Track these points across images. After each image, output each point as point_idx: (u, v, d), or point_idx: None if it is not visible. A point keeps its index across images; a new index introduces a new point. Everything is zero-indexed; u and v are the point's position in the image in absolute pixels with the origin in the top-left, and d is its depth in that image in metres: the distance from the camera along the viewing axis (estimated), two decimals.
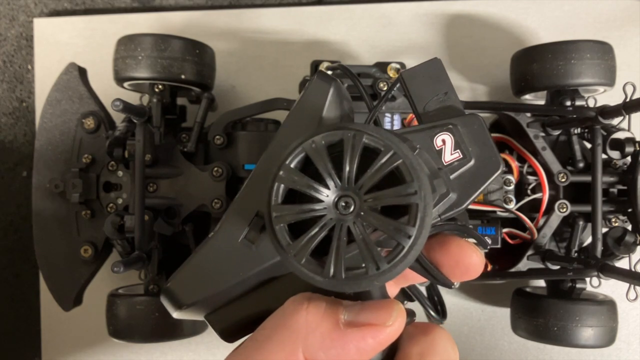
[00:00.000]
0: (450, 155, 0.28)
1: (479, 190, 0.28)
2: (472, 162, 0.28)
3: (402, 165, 0.24)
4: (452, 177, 0.28)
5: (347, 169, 0.24)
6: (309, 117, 0.28)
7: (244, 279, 0.27)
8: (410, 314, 0.27)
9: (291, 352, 0.25)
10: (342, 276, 0.24)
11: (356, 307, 0.25)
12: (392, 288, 0.32)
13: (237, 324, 0.29)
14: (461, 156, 0.28)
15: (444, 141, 0.28)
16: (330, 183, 0.24)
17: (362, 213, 0.24)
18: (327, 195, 0.24)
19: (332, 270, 0.24)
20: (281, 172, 0.25)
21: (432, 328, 0.28)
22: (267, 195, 0.25)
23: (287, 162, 0.25)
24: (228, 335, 0.29)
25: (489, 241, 0.54)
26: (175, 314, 0.29)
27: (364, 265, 0.24)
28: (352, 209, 0.24)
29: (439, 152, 0.28)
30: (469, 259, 0.28)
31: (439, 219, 0.27)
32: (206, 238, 0.28)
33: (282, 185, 0.25)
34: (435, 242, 0.28)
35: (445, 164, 0.28)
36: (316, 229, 0.24)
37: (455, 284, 0.29)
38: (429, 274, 0.28)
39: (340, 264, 0.24)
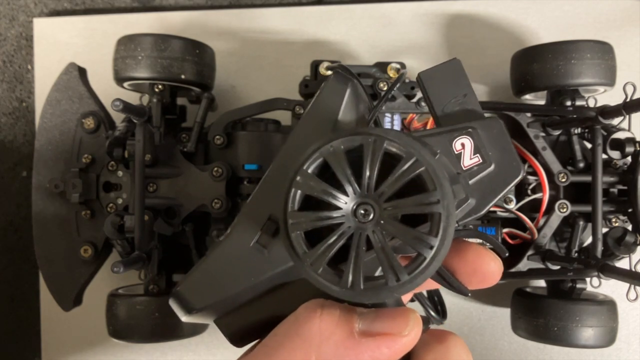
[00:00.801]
0: (469, 159, 0.27)
1: (499, 196, 0.27)
2: (491, 167, 0.27)
3: (424, 173, 0.23)
4: (471, 182, 0.27)
5: (367, 175, 0.23)
6: (324, 119, 0.27)
7: (255, 283, 0.26)
8: (426, 321, 0.26)
9: None
10: (360, 287, 0.23)
11: (371, 316, 0.25)
12: (407, 294, 0.31)
13: (247, 328, 0.28)
14: (481, 161, 0.27)
15: (463, 145, 0.27)
16: (349, 190, 0.24)
17: (381, 221, 0.23)
18: (346, 202, 0.24)
19: (350, 281, 0.23)
20: (298, 178, 0.24)
21: (447, 336, 0.27)
22: (284, 202, 0.24)
23: (305, 167, 0.24)
24: (237, 339, 0.29)
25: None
26: (185, 318, 0.28)
27: (380, 274, 0.23)
28: (371, 217, 0.23)
29: (458, 157, 0.27)
30: (487, 266, 0.27)
31: (456, 225, 0.26)
32: (217, 242, 0.28)
33: (299, 192, 0.24)
34: (451, 249, 0.27)
35: (464, 168, 0.27)
36: (334, 237, 0.23)
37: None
38: (446, 282, 0.27)
39: (359, 274, 0.23)
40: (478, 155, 0.27)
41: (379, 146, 0.23)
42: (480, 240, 0.33)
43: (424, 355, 0.26)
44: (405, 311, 0.25)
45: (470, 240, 0.29)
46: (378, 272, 0.25)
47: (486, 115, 0.28)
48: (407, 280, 0.23)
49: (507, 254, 0.30)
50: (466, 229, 0.28)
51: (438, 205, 0.23)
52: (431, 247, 0.23)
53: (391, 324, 0.24)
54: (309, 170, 0.24)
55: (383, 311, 0.25)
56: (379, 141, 0.23)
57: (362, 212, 0.23)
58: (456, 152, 0.27)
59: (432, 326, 0.28)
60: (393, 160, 0.24)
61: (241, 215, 0.27)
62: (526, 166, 0.56)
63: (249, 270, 0.26)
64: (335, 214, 0.24)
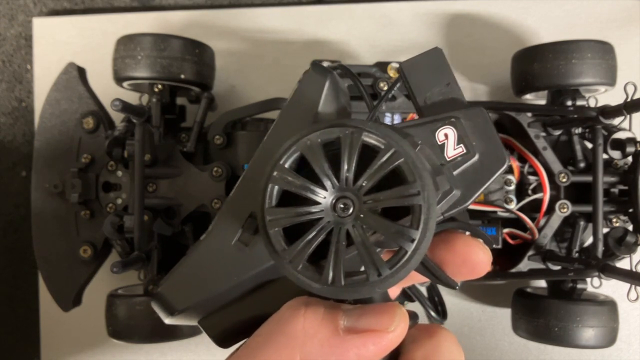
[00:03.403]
0: (453, 150, 0.26)
1: (484, 187, 0.27)
2: (476, 157, 0.26)
3: (403, 164, 0.23)
4: (455, 173, 0.26)
5: (345, 168, 0.23)
6: (304, 112, 0.26)
7: (238, 282, 0.26)
8: (413, 316, 0.26)
9: None
10: (341, 283, 0.23)
11: (356, 312, 0.24)
12: (394, 289, 0.31)
13: (231, 329, 0.28)
14: (465, 151, 0.26)
15: (446, 135, 0.26)
16: (327, 184, 0.23)
17: (361, 215, 0.23)
18: (324, 196, 0.23)
19: (330, 277, 0.23)
20: (275, 173, 0.23)
21: (436, 330, 0.27)
22: (261, 198, 0.23)
23: (281, 162, 0.23)
24: (222, 340, 0.28)
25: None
26: (168, 320, 0.28)
27: (363, 269, 0.23)
28: (350, 211, 0.23)
29: (441, 147, 0.26)
30: (475, 256, 0.27)
31: (442, 217, 0.26)
32: (198, 241, 0.27)
33: (276, 187, 0.23)
34: (439, 240, 0.27)
35: (448, 159, 0.26)
36: (313, 233, 0.23)
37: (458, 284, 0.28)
38: (432, 275, 0.27)
39: (339, 270, 0.23)
40: (462, 145, 0.26)
41: (357, 138, 0.23)
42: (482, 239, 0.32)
43: (413, 350, 0.26)
44: (391, 306, 0.24)
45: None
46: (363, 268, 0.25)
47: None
48: (389, 275, 0.22)
49: (494, 246, 0.29)
50: (453, 221, 0.27)
51: (418, 197, 0.22)
52: (412, 240, 0.22)
53: (377, 320, 0.24)
54: (286, 165, 0.23)
55: (368, 307, 0.25)
56: (357, 133, 0.23)
57: (342, 206, 0.23)
58: (439, 143, 0.26)
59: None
60: (373, 153, 0.23)
61: (222, 213, 0.27)
62: (527, 166, 0.56)
63: (231, 269, 0.26)
64: (314, 209, 0.23)
